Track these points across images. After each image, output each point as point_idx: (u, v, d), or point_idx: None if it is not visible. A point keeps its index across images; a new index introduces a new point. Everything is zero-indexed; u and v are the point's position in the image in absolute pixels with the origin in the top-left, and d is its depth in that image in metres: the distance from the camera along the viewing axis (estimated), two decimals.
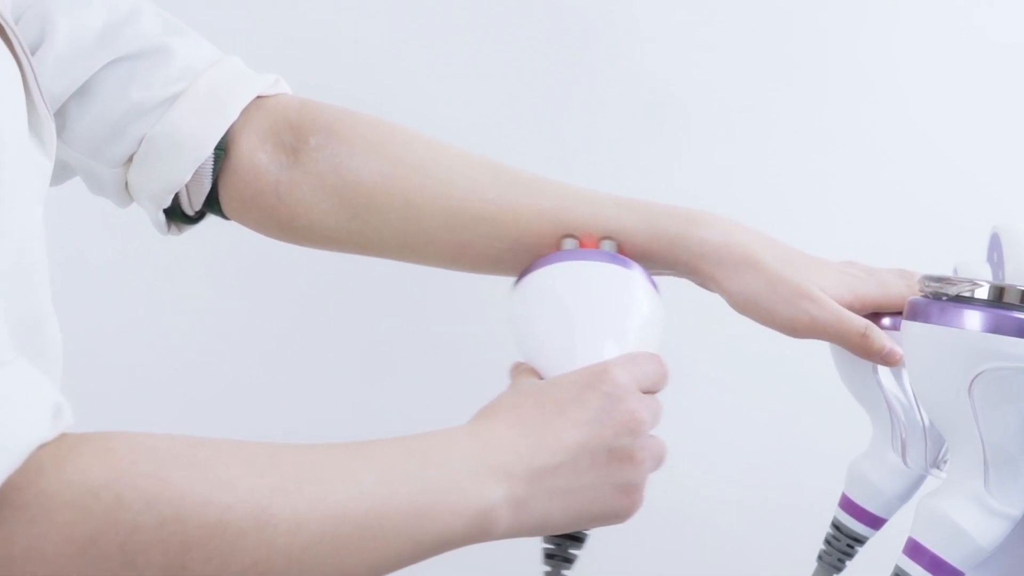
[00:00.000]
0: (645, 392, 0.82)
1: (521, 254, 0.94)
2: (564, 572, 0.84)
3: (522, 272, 0.90)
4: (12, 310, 0.76)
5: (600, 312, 0.86)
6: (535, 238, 0.93)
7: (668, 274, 0.95)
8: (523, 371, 0.86)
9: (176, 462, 0.67)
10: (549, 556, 0.85)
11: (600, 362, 0.82)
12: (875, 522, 0.98)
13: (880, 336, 0.92)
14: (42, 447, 0.65)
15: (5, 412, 0.64)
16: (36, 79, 0.78)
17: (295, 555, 0.68)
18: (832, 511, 1.00)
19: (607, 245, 0.91)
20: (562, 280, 0.87)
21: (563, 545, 0.84)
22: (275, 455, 0.70)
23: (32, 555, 0.64)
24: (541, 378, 0.85)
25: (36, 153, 0.78)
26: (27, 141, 0.75)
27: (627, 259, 0.89)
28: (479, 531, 0.75)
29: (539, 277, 0.88)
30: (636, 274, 0.88)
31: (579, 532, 0.84)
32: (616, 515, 0.80)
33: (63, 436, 0.66)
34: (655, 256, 0.93)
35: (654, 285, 0.89)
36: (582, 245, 0.91)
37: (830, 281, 0.93)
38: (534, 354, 0.86)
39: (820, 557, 1.00)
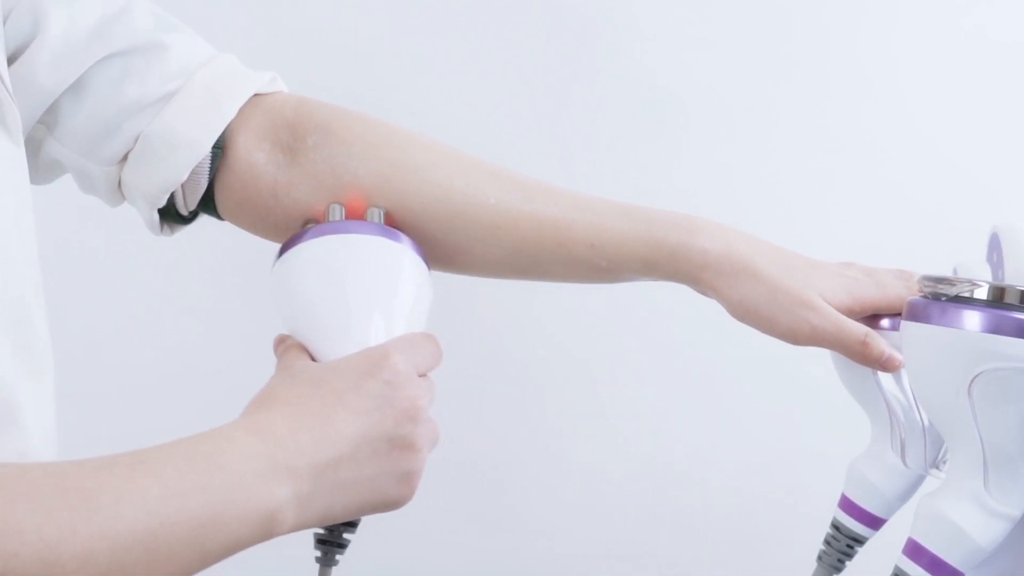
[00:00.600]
0: (421, 375, 0.82)
1: (520, 260, 0.94)
2: (337, 556, 0.83)
3: (288, 241, 0.88)
4: None
5: (372, 289, 0.85)
6: (535, 245, 0.93)
7: (668, 282, 0.95)
8: (291, 347, 0.84)
9: None
10: (321, 542, 0.83)
11: (378, 346, 0.81)
12: (874, 522, 0.98)
13: (879, 343, 0.92)
14: None
15: None
16: (5, 65, 0.77)
17: None
18: (832, 511, 0.99)
19: (374, 214, 0.90)
20: (334, 254, 0.86)
21: (337, 531, 0.83)
22: (62, 485, 0.67)
23: None
24: (311, 354, 0.83)
25: (1, 139, 0.77)
26: None
27: (396, 231, 0.88)
28: (264, 533, 0.74)
29: (309, 249, 0.86)
30: (407, 248, 0.88)
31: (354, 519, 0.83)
32: (394, 503, 0.80)
33: None
34: (656, 265, 0.93)
35: (424, 260, 0.89)
36: (349, 212, 0.90)
37: (829, 285, 0.93)
38: (303, 330, 0.85)
39: (820, 557, 1.00)
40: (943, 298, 0.83)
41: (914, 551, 0.84)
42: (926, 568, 0.84)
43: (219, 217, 0.99)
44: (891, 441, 0.96)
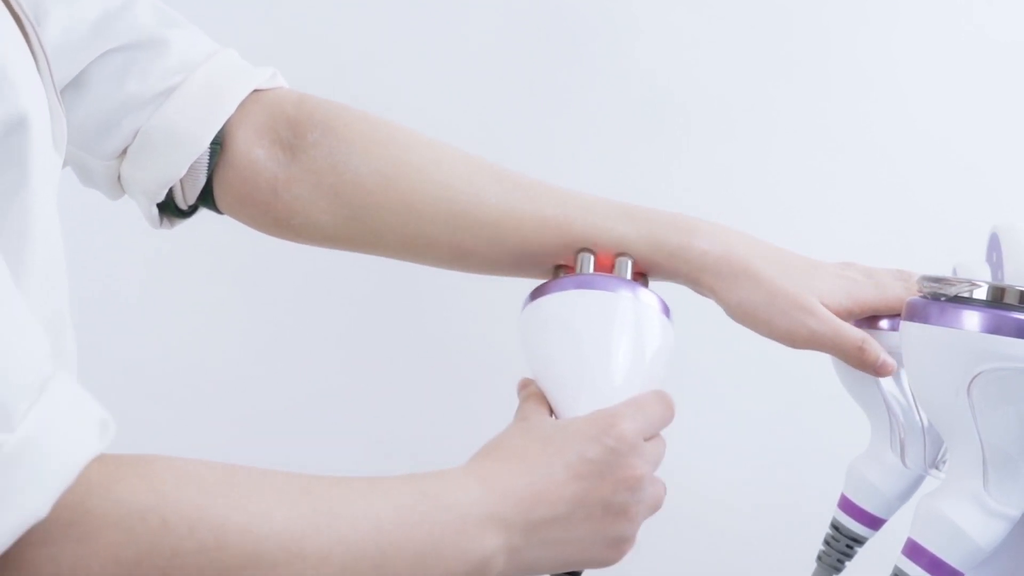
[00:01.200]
0: (651, 436, 0.83)
1: (522, 260, 0.94)
2: None
3: (537, 290, 0.90)
4: (43, 313, 0.76)
5: (612, 348, 0.86)
6: (538, 246, 0.93)
7: (667, 282, 0.95)
8: (532, 396, 0.86)
9: (217, 489, 0.67)
10: None
11: (608, 411, 0.82)
12: (874, 522, 0.98)
13: (876, 348, 0.92)
14: (90, 464, 0.65)
15: (58, 429, 0.64)
16: (51, 75, 0.77)
17: None
18: (831, 511, 0.99)
19: (622, 264, 0.91)
20: (576, 310, 0.87)
21: None
22: (306, 487, 0.71)
23: (78, 574, 0.63)
24: (549, 402, 0.86)
25: (50, 150, 0.78)
26: (48, 138, 0.75)
27: (641, 286, 0.89)
28: (476, 574, 0.76)
29: (553, 303, 0.88)
30: (651, 303, 0.88)
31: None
32: (601, 563, 0.82)
33: (106, 455, 0.66)
34: (656, 266, 0.93)
35: (667, 313, 0.89)
36: (598, 262, 0.91)
37: (828, 288, 0.93)
38: (543, 379, 0.87)
39: (819, 558, 1.00)
40: (942, 298, 0.83)
41: (914, 551, 0.84)
42: (926, 568, 0.84)
43: (218, 211, 0.99)
44: (891, 441, 0.96)
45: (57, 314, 0.79)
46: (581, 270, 0.91)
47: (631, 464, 0.80)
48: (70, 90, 0.93)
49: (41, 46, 0.76)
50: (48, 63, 0.77)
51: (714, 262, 0.93)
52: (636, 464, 0.81)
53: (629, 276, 0.91)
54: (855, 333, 0.92)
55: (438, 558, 0.74)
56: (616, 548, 0.81)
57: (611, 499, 0.80)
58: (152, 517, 0.64)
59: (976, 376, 0.80)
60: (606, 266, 0.92)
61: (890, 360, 0.92)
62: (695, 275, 0.93)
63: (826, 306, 0.93)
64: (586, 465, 0.79)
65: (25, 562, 0.63)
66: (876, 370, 0.92)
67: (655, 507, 0.83)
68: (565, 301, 0.88)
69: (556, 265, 0.94)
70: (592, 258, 0.91)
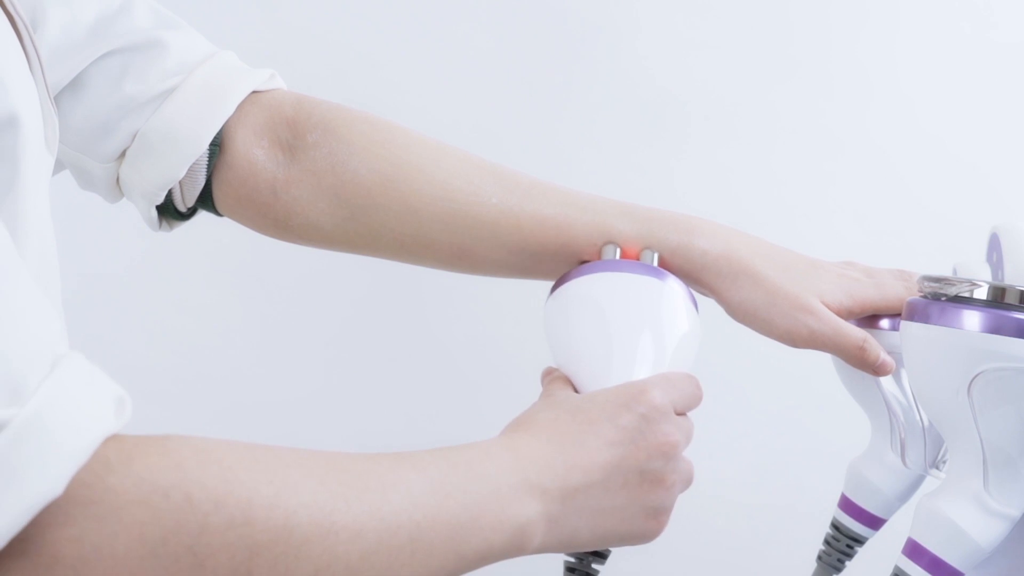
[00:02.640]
0: (679, 413, 0.82)
1: (522, 260, 0.94)
2: None
3: (562, 277, 0.90)
4: None
5: (640, 326, 0.86)
6: (537, 245, 0.93)
7: None
8: (556, 379, 0.86)
9: (240, 464, 0.65)
10: (570, 570, 0.85)
11: (638, 380, 0.82)
12: (874, 522, 0.98)
13: (876, 348, 0.92)
14: (106, 442, 0.63)
15: (70, 404, 0.62)
16: (44, 75, 0.77)
17: (354, 564, 0.67)
18: (832, 511, 0.99)
19: (648, 256, 0.91)
20: (603, 290, 0.87)
21: (586, 560, 0.84)
22: (331, 462, 0.69)
23: (103, 555, 0.61)
24: (574, 387, 0.85)
25: (42, 150, 0.78)
26: (40, 138, 0.74)
27: (667, 273, 0.89)
28: (515, 547, 0.75)
29: (580, 285, 0.88)
30: (676, 288, 0.88)
31: (604, 549, 0.84)
32: (642, 536, 0.81)
33: (122, 435, 0.64)
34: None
35: (694, 302, 0.89)
36: (624, 254, 0.91)
37: (828, 287, 0.93)
38: (568, 362, 0.86)
39: (820, 557, 1.00)
40: (943, 298, 0.83)
41: (914, 551, 0.84)
42: (926, 568, 0.84)
43: (218, 213, 0.99)
44: (891, 441, 0.96)
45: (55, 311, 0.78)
46: (606, 258, 0.91)
47: (664, 431, 0.80)
48: (68, 92, 0.93)
49: (34, 46, 0.76)
50: (41, 63, 0.77)
51: (714, 261, 0.93)
52: (669, 431, 0.80)
53: (656, 265, 0.91)
54: (855, 332, 0.92)
55: (475, 528, 0.72)
56: (655, 518, 0.80)
57: (646, 466, 0.79)
58: (176, 494, 0.62)
59: (976, 376, 0.80)
60: (632, 257, 0.91)
61: (890, 359, 0.92)
62: (695, 274, 0.93)
63: (826, 305, 0.93)
64: (619, 432, 0.79)
65: (47, 543, 0.61)
66: (876, 369, 0.93)
67: (689, 481, 0.83)
68: (594, 282, 0.88)
69: (581, 261, 0.93)
70: (618, 249, 0.91)
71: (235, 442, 0.67)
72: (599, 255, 0.91)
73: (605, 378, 0.83)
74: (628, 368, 0.84)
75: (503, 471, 0.74)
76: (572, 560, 0.84)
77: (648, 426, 0.79)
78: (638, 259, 0.91)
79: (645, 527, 0.80)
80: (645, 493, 0.79)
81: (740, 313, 0.94)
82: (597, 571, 0.85)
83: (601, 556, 0.85)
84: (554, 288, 0.90)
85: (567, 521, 0.77)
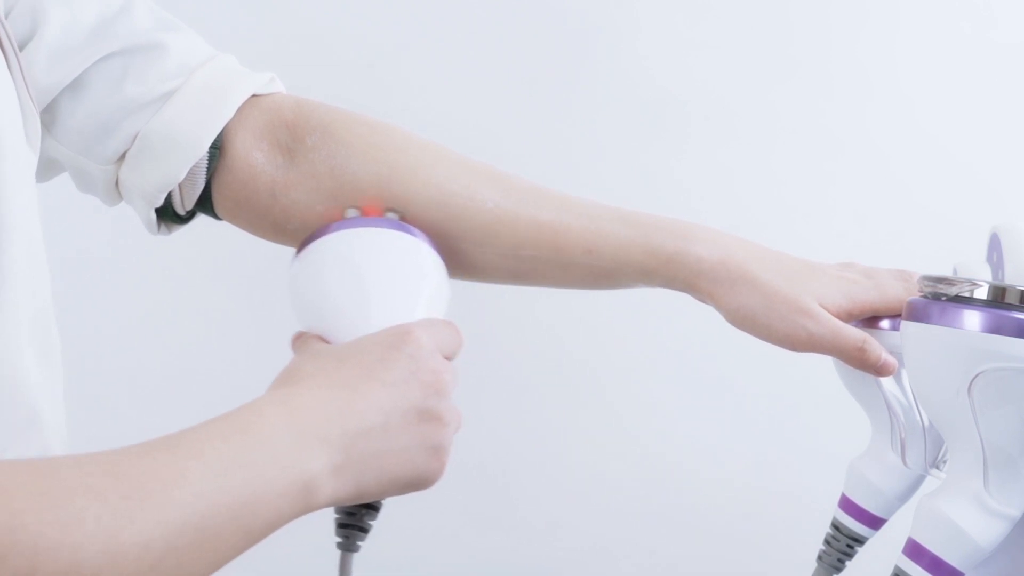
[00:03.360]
0: (445, 356, 0.81)
1: (517, 264, 0.94)
2: (359, 543, 0.83)
3: (305, 239, 0.88)
4: (26, 310, 0.75)
5: (391, 276, 0.85)
6: (532, 250, 0.93)
7: (665, 288, 0.95)
8: (310, 339, 0.84)
9: (27, 501, 0.63)
10: (343, 526, 0.83)
11: (401, 324, 0.81)
12: (874, 522, 0.98)
13: (876, 349, 0.92)
14: None
15: None
16: (22, 71, 0.77)
17: None
18: (832, 511, 0.99)
19: (391, 216, 0.90)
20: (354, 246, 0.86)
21: (358, 514, 0.82)
22: (111, 470, 0.67)
23: None
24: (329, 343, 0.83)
25: (23, 147, 0.77)
26: (20, 134, 0.74)
27: (413, 227, 0.88)
28: (303, 504, 0.73)
29: (328, 243, 0.87)
30: (422, 242, 0.88)
31: (375, 501, 0.82)
32: (426, 480, 0.79)
33: None
34: (653, 272, 0.93)
35: (440, 256, 0.89)
36: (365, 213, 0.90)
37: (826, 290, 0.93)
38: (322, 321, 0.84)
39: (820, 557, 1.00)
40: (943, 298, 0.82)
41: (914, 551, 0.84)
42: (926, 568, 0.84)
43: (217, 217, 0.99)
44: (891, 441, 0.96)
45: (41, 312, 0.78)
46: (348, 218, 0.90)
47: (435, 368, 0.79)
48: (67, 94, 0.92)
49: (11, 42, 0.76)
50: (19, 59, 0.76)
51: (711, 268, 0.93)
52: (440, 368, 0.79)
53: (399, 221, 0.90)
54: (855, 334, 0.92)
55: (260, 500, 0.71)
56: (437, 456, 0.79)
57: (422, 404, 0.78)
58: None
59: (977, 376, 0.80)
60: (374, 215, 0.90)
61: (891, 360, 0.92)
62: (692, 281, 0.93)
63: (825, 308, 0.93)
64: (391, 372, 0.78)
65: None
66: (877, 370, 0.92)
67: (459, 422, 0.81)
68: (341, 239, 0.87)
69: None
70: (358, 209, 0.90)
71: (19, 465, 0.65)
72: (342, 218, 0.90)
73: (365, 327, 0.82)
74: (388, 316, 0.82)
75: (278, 429, 0.73)
76: (343, 516, 0.82)
77: (419, 364, 0.78)
78: (381, 217, 0.90)
79: (428, 467, 0.79)
80: (424, 432, 0.78)
81: (738, 319, 0.93)
82: (370, 526, 0.83)
83: (374, 509, 0.82)
84: (298, 251, 0.88)
85: (352, 469, 0.75)
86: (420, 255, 0.87)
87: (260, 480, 0.71)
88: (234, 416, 0.74)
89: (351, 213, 0.90)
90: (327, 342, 0.83)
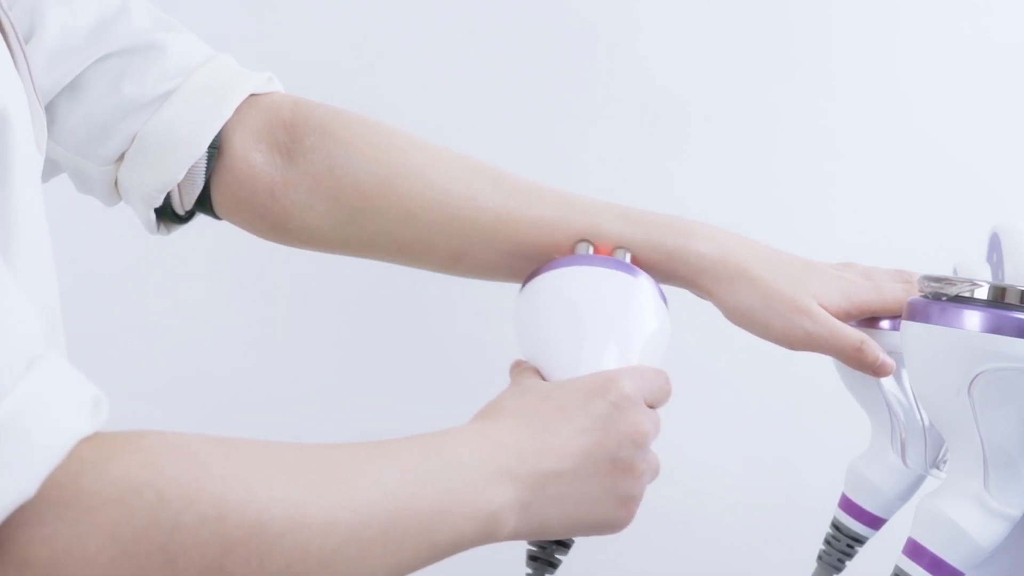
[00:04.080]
0: (648, 406, 0.82)
1: (518, 263, 0.94)
2: (546, 575, 0.84)
3: (533, 272, 0.90)
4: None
5: (609, 319, 0.86)
6: (533, 249, 0.93)
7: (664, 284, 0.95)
8: (524, 370, 0.85)
9: (213, 460, 0.65)
10: (533, 559, 0.84)
11: (608, 370, 0.82)
12: (875, 522, 0.98)
13: (874, 349, 0.92)
14: (81, 443, 0.63)
15: (46, 406, 0.62)
16: (30, 71, 0.77)
17: (327, 557, 0.67)
18: (832, 511, 1.00)
19: (620, 254, 0.91)
20: (574, 283, 0.87)
21: (549, 549, 0.84)
22: (303, 454, 0.69)
23: (75, 556, 0.62)
24: (542, 378, 0.84)
25: (32, 147, 0.77)
26: (30, 136, 0.74)
27: (639, 270, 0.89)
28: (487, 534, 0.75)
29: (551, 278, 0.88)
30: (648, 286, 0.88)
31: (567, 539, 0.84)
32: (611, 526, 0.80)
33: (98, 434, 0.64)
34: (653, 268, 0.93)
35: (664, 299, 0.89)
36: (596, 251, 0.91)
37: (825, 289, 0.94)
38: (537, 354, 0.86)
39: (820, 557, 1.00)
40: (943, 298, 0.83)
41: (914, 551, 0.84)
42: (926, 568, 0.84)
43: (216, 217, 0.99)
44: (891, 441, 0.97)
45: (48, 309, 0.78)
46: (579, 254, 0.91)
47: (635, 420, 0.80)
48: (66, 94, 0.92)
49: (19, 43, 0.76)
50: (27, 59, 0.76)
51: (711, 265, 0.93)
52: (640, 420, 0.80)
53: (628, 262, 0.91)
54: (853, 334, 0.92)
55: (447, 516, 0.72)
56: (625, 507, 0.80)
57: (617, 454, 0.79)
58: (148, 492, 0.62)
59: (977, 376, 0.80)
60: (605, 255, 0.91)
61: (889, 360, 0.92)
62: (692, 277, 0.93)
63: (824, 308, 0.93)
64: (589, 419, 0.79)
65: (18, 544, 0.61)
66: (875, 371, 0.93)
67: (656, 472, 0.83)
68: (565, 275, 0.88)
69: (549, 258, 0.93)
70: (590, 245, 0.91)
71: (210, 437, 0.67)
72: (572, 250, 0.91)
73: (574, 368, 0.83)
74: (598, 359, 0.84)
75: (475, 458, 0.74)
76: (535, 548, 0.84)
77: (619, 414, 0.79)
78: (611, 256, 0.91)
79: (615, 515, 0.80)
80: (616, 481, 0.79)
81: (737, 316, 0.94)
82: (560, 560, 0.84)
83: (565, 545, 0.84)
84: (525, 283, 0.90)
85: (538, 508, 0.77)
86: (642, 299, 0.88)
87: (450, 498, 0.72)
88: (431, 438, 0.75)
89: (582, 248, 0.91)
90: (541, 376, 0.85)
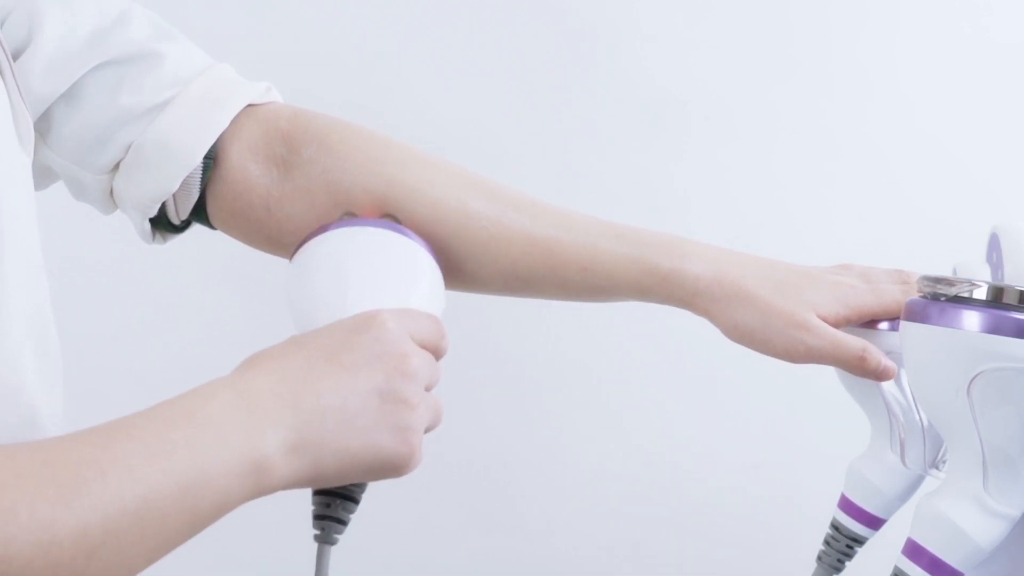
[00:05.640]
0: (421, 346, 0.79)
1: (511, 280, 0.94)
2: (337, 536, 0.80)
3: (302, 240, 0.87)
4: (24, 310, 0.75)
5: (376, 271, 0.84)
6: (527, 266, 0.93)
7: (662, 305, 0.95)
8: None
9: None
10: (319, 517, 0.80)
11: (369, 311, 0.79)
12: (874, 522, 0.98)
13: (876, 356, 0.92)
14: None
15: None
16: (14, 74, 0.77)
17: (80, 567, 0.65)
18: (831, 511, 1.00)
19: (386, 220, 0.90)
20: (338, 243, 0.85)
21: (333, 505, 0.80)
22: (46, 460, 0.66)
23: None
24: None
25: (16, 149, 0.77)
26: (13, 137, 0.74)
27: (407, 230, 0.88)
28: (255, 487, 0.72)
29: (316, 242, 0.86)
30: (414, 243, 0.87)
31: (352, 491, 0.80)
32: (393, 464, 0.76)
33: None
34: (649, 290, 0.93)
35: (436, 260, 0.88)
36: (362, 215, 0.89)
37: (823, 299, 0.93)
38: (310, 320, 0.83)
39: (819, 558, 1.00)
40: (942, 298, 0.82)
41: (914, 551, 0.84)
42: (926, 568, 0.84)
43: (212, 227, 0.98)
44: (891, 441, 0.96)
45: (39, 312, 0.78)
46: (342, 219, 0.89)
47: (402, 352, 0.77)
48: (62, 103, 0.92)
49: (2, 46, 0.75)
50: (10, 61, 0.76)
51: (707, 286, 0.93)
52: (408, 352, 0.77)
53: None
54: (854, 344, 0.92)
55: (206, 481, 0.69)
56: (403, 439, 0.76)
57: (385, 385, 0.76)
58: None
59: (976, 376, 0.80)
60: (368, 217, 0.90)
61: (891, 365, 0.92)
62: (688, 299, 0.93)
63: (823, 317, 0.93)
64: (351, 355, 0.76)
65: None
66: (877, 376, 0.93)
67: (438, 415, 0.79)
68: (328, 238, 0.86)
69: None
70: (354, 216, 0.90)
71: None
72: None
73: (342, 317, 0.80)
74: (365, 305, 0.80)
75: (227, 411, 0.72)
76: (319, 507, 0.80)
77: (382, 347, 0.76)
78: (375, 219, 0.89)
79: (395, 451, 0.76)
80: (387, 413, 0.76)
81: (737, 335, 0.94)
82: (348, 519, 0.81)
83: (351, 500, 0.80)
84: (291, 257, 0.88)
85: (308, 449, 0.73)
86: (409, 253, 0.86)
87: (206, 461, 0.69)
88: (182, 400, 0.72)
89: (345, 215, 0.90)
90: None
